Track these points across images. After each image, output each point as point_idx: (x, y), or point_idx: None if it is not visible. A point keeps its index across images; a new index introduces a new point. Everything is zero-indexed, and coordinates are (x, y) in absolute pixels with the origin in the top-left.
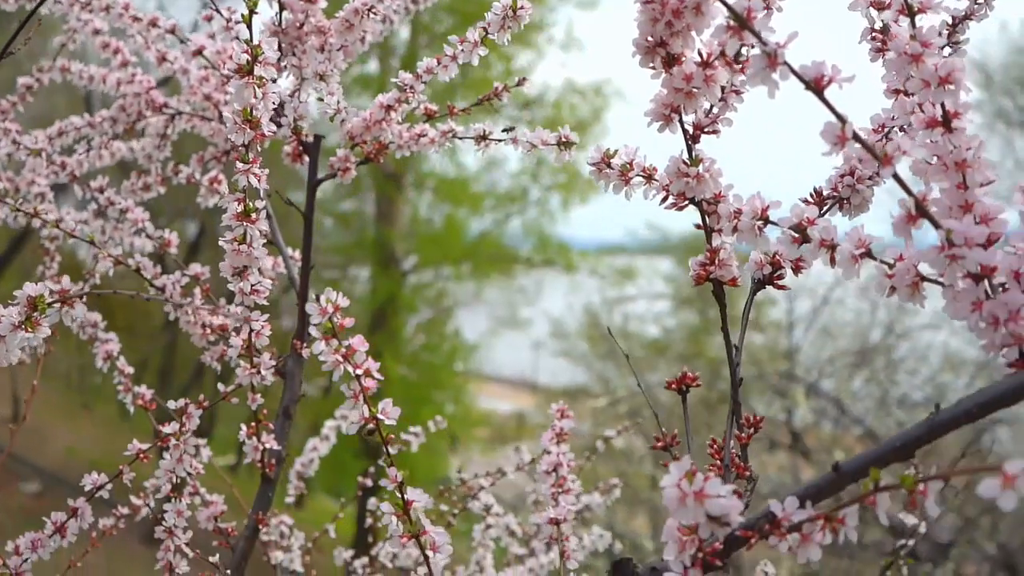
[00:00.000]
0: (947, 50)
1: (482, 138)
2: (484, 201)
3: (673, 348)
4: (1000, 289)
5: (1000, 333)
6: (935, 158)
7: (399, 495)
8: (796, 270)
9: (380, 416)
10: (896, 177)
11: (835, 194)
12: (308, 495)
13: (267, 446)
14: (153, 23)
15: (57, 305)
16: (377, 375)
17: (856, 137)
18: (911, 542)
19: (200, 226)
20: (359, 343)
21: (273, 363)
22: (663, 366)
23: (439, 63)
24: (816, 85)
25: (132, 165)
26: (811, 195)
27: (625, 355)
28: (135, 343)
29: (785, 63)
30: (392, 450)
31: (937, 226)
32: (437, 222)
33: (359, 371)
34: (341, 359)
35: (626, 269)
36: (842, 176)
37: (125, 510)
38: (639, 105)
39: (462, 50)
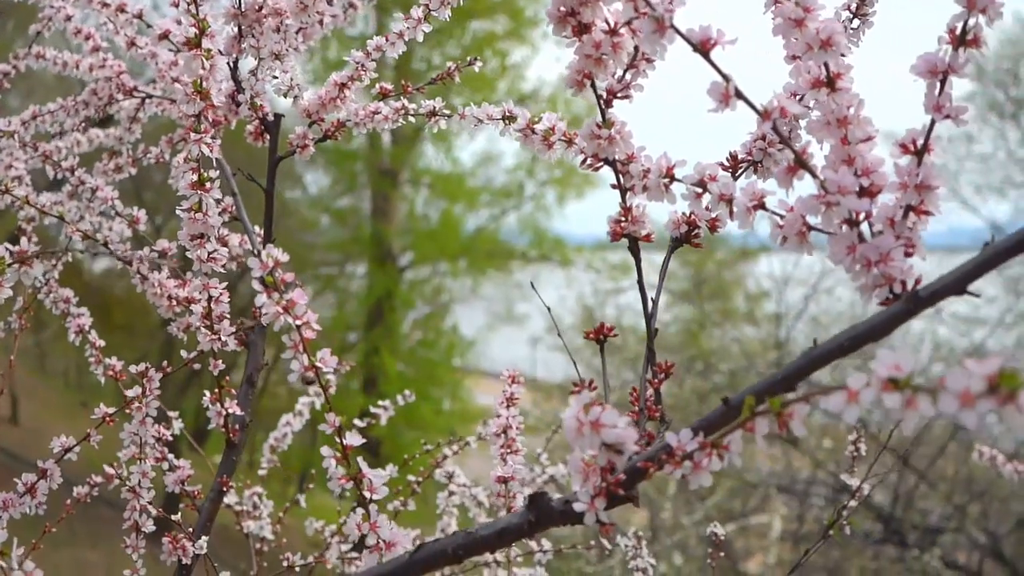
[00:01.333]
0: (856, 22)
1: (432, 114)
2: (480, 197)
3: (668, 341)
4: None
5: (872, 274)
6: (821, 116)
7: (338, 439)
8: (712, 228)
9: (319, 364)
10: (776, 131)
11: (749, 158)
12: (308, 494)
13: (230, 411)
14: (121, 8)
15: (16, 265)
16: (316, 326)
17: (738, 94)
18: (853, 503)
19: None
20: (299, 296)
21: (232, 330)
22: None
23: (387, 40)
24: (703, 47)
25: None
26: (727, 159)
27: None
28: (133, 341)
29: (672, 27)
30: (330, 393)
31: (815, 176)
32: (433, 218)
33: (299, 322)
34: (282, 311)
35: (622, 264)
36: (755, 140)
37: (99, 479)
38: (634, 100)
39: (407, 27)
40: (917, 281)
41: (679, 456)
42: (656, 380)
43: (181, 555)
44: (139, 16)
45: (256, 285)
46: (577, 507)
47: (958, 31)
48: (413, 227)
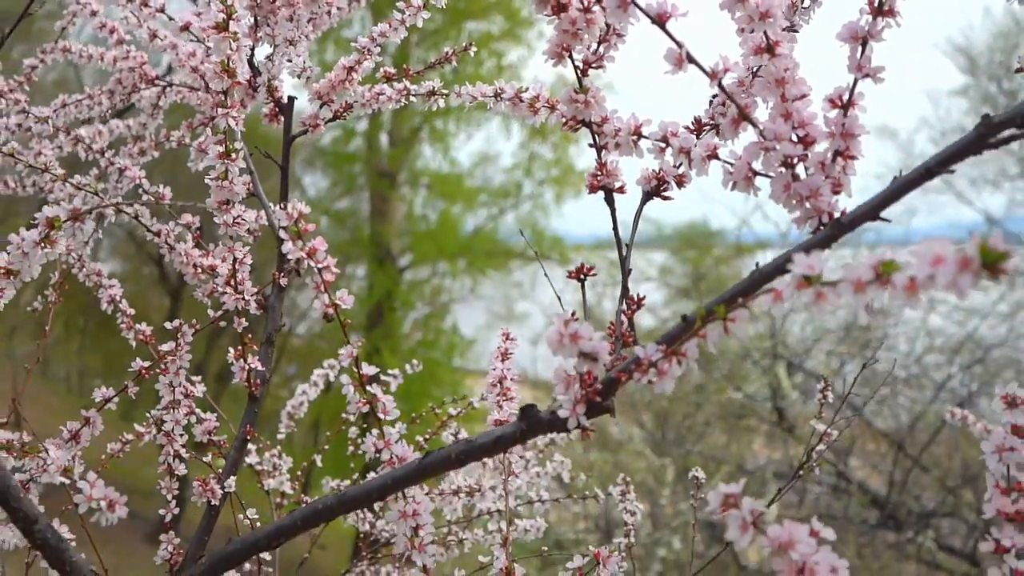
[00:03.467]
0: (807, 1)
1: (431, 93)
2: (478, 197)
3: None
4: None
5: (805, 207)
6: (763, 78)
7: (355, 369)
8: (679, 184)
9: (338, 301)
10: (722, 89)
11: (711, 121)
12: (310, 493)
13: (253, 367)
14: (144, 3)
15: (70, 223)
16: (335, 269)
17: (690, 58)
18: (815, 464)
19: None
20: (319, 243)
21: (255, 290)
22: None
23: (390, 26)
24: (660, 19)
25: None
26: (692, 122)
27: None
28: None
29: (633, 2)
30: (352, 339)
31: (756, 127)
32: (432, 219)
33: (320, 266)
34: (305, 256)
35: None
36: (714, 106)
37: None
38: (629, 97)
39: (408, 14)
40: (842, 213)
41: (646, 365)
42: (630, 311)
43: (211, 496)
44: (161, 10)
45: (282, 234)
46: (561, 413)
47: (876, 3)
48: (412, 228)
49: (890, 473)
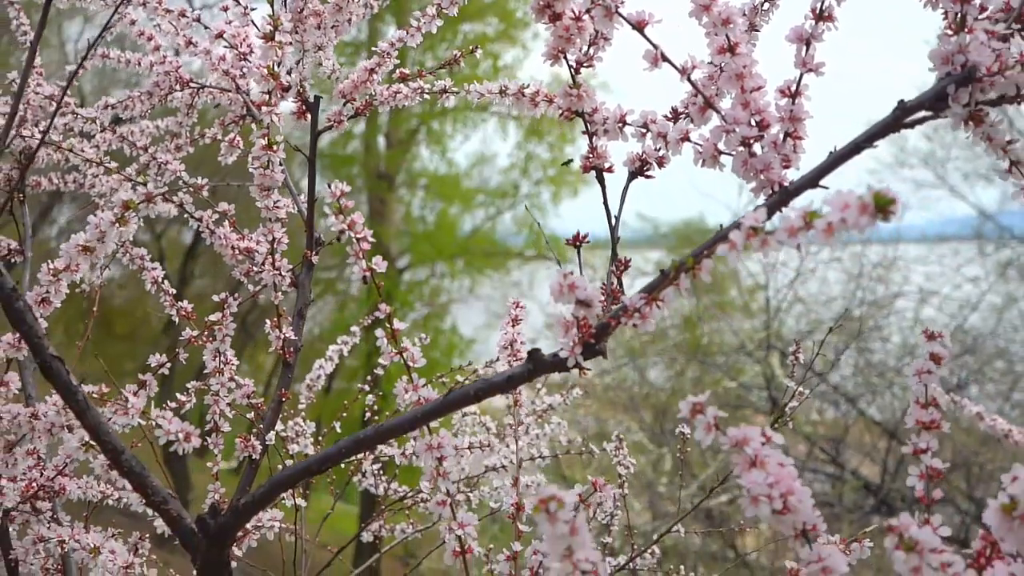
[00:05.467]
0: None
1: (443, 91)
2: (475, 197)
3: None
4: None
5: (760, 179)
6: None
7: (388, 325)
8: (660, 164)
9: (373, 266)
10: (691, 83)
11: (686, 111)
12: (310, 495)
13: (287, 336)
14: (182, 14)
15: (144, 204)
16: (371, 239)
17: (664, 57)
18: (790, 408)
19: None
20: (358, 217)
21: (290, 267)
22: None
23: (408, 33)
24: (639, 26)
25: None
26: (670, 111)
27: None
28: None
29: (617, 12)
30: (382, 288)
31: (719, 113)
32: (430, 220)
33: (359, 236)
34: (347, 227)
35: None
36: (689, 97)
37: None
38: (624, 96)
39: (424, 21)
40: (789, 183)
41: (631, 310)
42: (618, 271)
43: (251, 451)
44: (197, 19)
45: (327, 209)
46: (562, 354)
47: (817, 10)
48: (410, 229)
49: (883, 461)
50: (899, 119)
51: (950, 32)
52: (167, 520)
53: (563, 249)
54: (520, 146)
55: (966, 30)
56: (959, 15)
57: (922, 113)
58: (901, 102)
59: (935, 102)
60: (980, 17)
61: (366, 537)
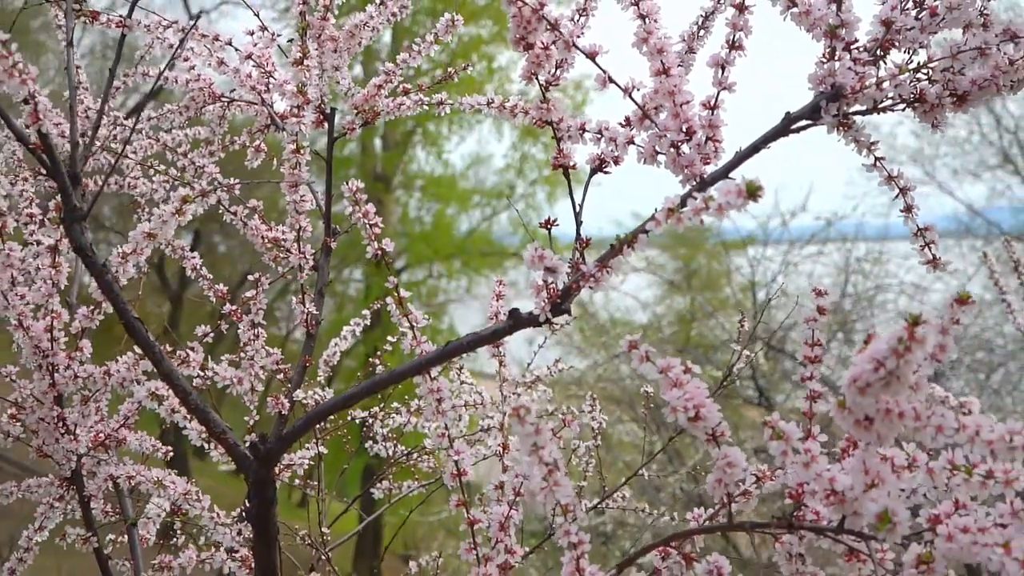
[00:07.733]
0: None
1: (440, 103)
2: (471, 198)
3: (662, 333)
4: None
5: (685, 173)
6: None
7: (396, 293)
8: (616, 162)
9: (383, 247)
10: (632, 99)
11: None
12: (310, 495)
13: (310, 311)
14: (216, 38)
15: (200, 198)
16: (381, 224)
17: (610, 79)
18: (740, 365)
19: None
20: (371, 207)
21: (313, 251)
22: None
23: (410, 55)
24: (591, 55)
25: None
26: (624, 119)
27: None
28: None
29: (574, 44)
30: (393, 267)
31: (652, 121)
32: (426, 220)
33: (371, 223)
34: (362, 216)
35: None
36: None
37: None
38: (620, 97)
39: (424, 46)
40: (707, 176)
41: (588, 276)
42: (581, 248)
43: (282, 408)
44: (229, 43)
45: (347, 200)
46: (535, 311)
47: (731, 41)
48: (407, 230)
49: None
50: (787, 126)
51: (824, 60)
52: (226, 447)
53: (548, 242)
54: (515, 147)
55: (836, 58)
56: (830, 47)
57: (804, 121)
58: (787, 113)
59: (812, 113)
60: (856, 46)
61: (377, 494)
